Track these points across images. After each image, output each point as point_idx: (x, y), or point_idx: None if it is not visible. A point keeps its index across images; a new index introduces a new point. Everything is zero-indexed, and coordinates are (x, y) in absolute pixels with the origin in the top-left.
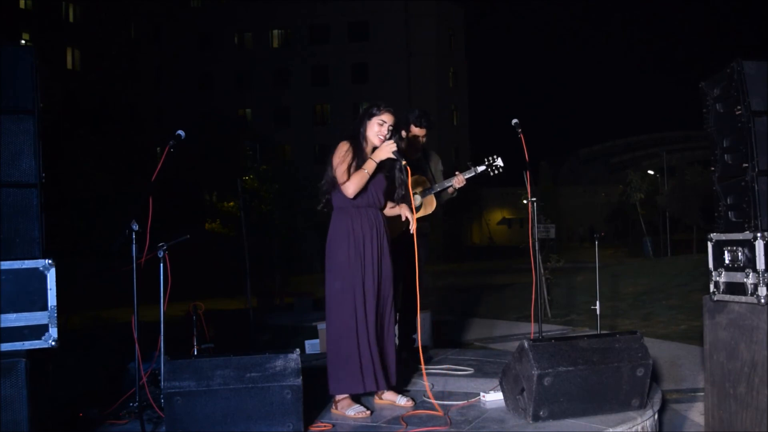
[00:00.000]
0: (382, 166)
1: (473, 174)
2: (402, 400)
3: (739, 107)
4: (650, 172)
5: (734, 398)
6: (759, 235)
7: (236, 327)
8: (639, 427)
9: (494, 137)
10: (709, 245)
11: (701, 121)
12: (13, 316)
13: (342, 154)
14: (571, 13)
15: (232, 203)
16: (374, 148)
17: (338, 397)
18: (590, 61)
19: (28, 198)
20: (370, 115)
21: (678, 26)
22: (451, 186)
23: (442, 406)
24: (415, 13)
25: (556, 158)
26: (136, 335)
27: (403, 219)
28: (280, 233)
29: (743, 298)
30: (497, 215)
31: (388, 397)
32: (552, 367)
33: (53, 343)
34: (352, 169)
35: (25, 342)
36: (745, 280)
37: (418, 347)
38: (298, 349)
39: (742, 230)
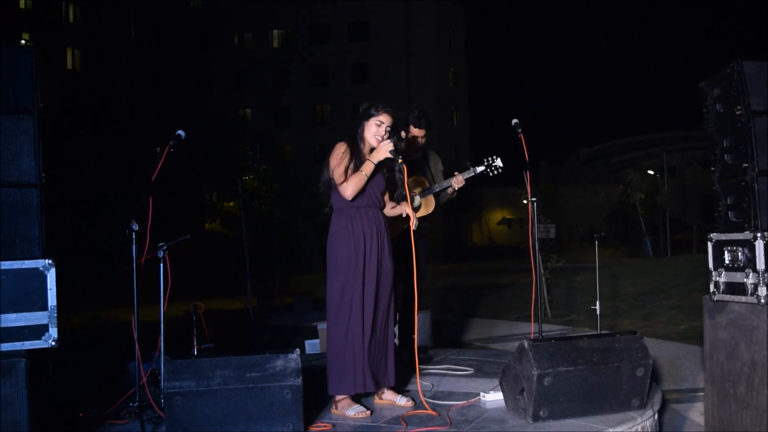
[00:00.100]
0: (382, 166)
1: (472, 174)
2: (402, 400)
3: (739, 107)
4: (650, 172)
5: (734, 398)
6: (759, 235)
7: (236, 327)
8: (639, 427)
9: (494, 137)
10: (709, 245)
11: (701, 121)
12: (13, 316)
13: (339, 155)
14: (571, 13)
15: (232, 203)
16: (372, 149)
17: (338, 397)
18: (590, 61)
19: (28, 198)
20: (368, 116)
21: (678, 26)
22: (450, 187)
23: (441, 406)
24: (415, 13)
25: (556, 158)
26: (136, 335)
27: (404, 216)
28: (280, 233)
29: (743, 298)
30: (497, 215)
31: (388, 397)
32: (552, 367)
33: (53, 343)
34: (349, 171)
35: (25, 342)
36: (745, 280)
37: (417, 347)
38: (298, 349)
39: (742, 230)
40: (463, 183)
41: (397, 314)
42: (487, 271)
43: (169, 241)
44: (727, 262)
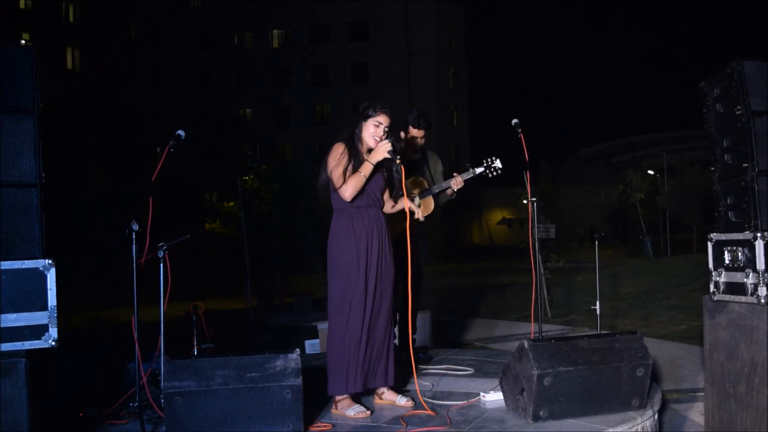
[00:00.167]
0: (381, 165)
1: (471, 176)
2: (402, 400)
3: (739, 107)
4: (650, 172)
5: (734, 398)
6: (759, 235)
7: (236, 327)
8: (639, 427)
9: (494, 137)
10: (709, 245)
11: (701, 121)
12: (13, 316)
13: (337, 156)
14: (571, 13)
15: (232, 203)
16: (370, 150)
17: (338, 397)
18: (590, 61)
19: (28, 198)
20: (366, 117)
21: (678, 26)
22: (450, 188)
23: (441, 406)
24: (415, 13)
25: (556, 158)
26: (136, 335)
27: (407, 211)
28: (280, 233)
29: (743, 298)
30: (497, 215)
31: (388, 397)
32: (552, 367)
33: (53, 343)
34: (348, 172)
35: (25, 342)
36: (745, 280)
37: (417, 347)
38: (298, 349)
39: (742, 230)
40: (462, 184)
41: (397, 314)
42: (487, 271)
43: (169, 241)
44: (727, 262)
